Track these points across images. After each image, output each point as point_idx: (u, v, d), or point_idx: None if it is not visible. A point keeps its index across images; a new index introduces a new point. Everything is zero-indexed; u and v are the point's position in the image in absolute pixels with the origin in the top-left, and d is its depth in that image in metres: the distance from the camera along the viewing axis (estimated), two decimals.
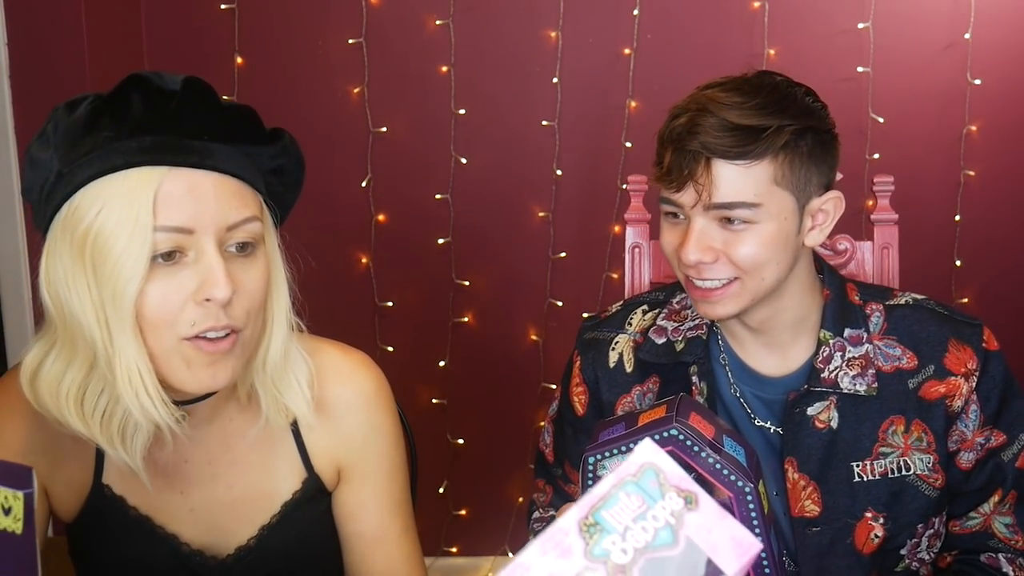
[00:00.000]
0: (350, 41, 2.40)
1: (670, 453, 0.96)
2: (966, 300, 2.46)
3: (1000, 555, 1.18)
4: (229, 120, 0.97)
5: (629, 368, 1.25)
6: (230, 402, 1.06)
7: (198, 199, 0.91)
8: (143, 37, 2.41)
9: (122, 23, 2.35)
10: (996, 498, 1.17)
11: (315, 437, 1.09)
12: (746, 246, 1.08)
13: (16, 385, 1.01)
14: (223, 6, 2.39)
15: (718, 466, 0.97)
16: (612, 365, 1.26)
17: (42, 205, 0.95)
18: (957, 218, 2.44)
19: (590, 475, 1.02)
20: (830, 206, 1.14)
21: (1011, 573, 1.16)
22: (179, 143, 0.92)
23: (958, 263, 2.45)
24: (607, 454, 1.01)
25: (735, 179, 1.06)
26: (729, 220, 1.07)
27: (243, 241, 0.95)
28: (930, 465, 1.16)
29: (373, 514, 1.13)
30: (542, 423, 1.42)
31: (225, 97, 2.38)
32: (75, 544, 1.09)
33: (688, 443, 0.97)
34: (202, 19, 2.40)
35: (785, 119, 1.07)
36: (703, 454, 0.97)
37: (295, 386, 1.04)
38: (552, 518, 1.33)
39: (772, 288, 1.12)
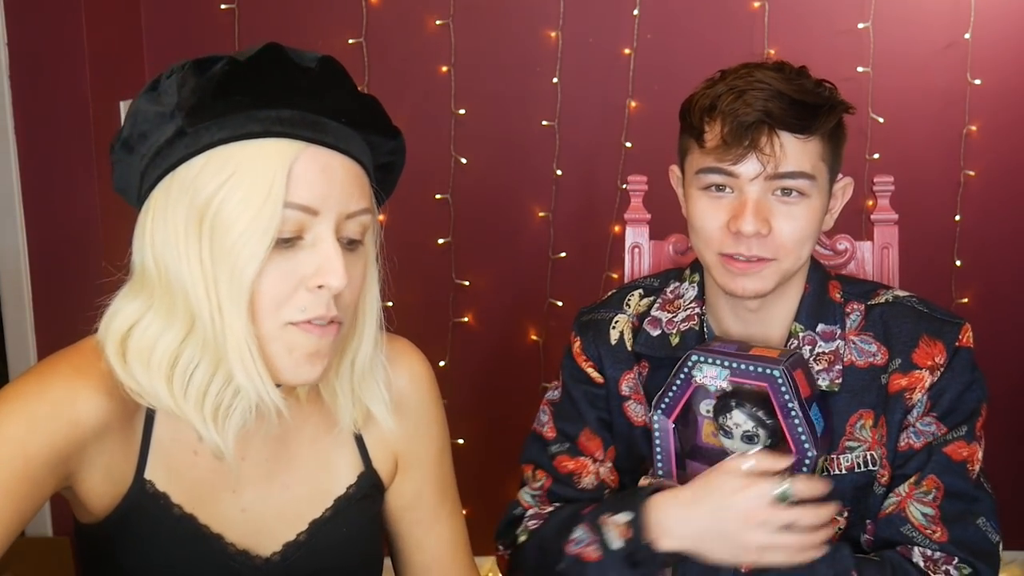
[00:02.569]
0: (350, 41, 2.40)
1: (763, 390, 1.05)
2: (966, 300, 2.46)
3: (915, 548, 1.12)
4: (362, 106, 0.94)
5: (629, 347, 1.25)
6: (291, 398, 1.01)
7: (329, 180, 0.89)
8: (143, 37, 2.41)
9: (122, 23, 2.35)
10: (913, 479, 1.13)
11: (372, 430, 1.06)
12: (797, 222, 1.10)
13: (82, 357, 0.94)
14: (223, 6, 2.38)
15: (797, 424, 1.04)
16: (614, 343, 1.26)
17: (147, 161, 0.90)
18: (957, 218, 2.44)
19: (686, 369, 1.10)
20: (841, 191, 1.19)
21: (920, 564, 1.10)
22: (317, 120, 0.90)
23: (958, 263, 2.45)
24: (710, 360, 1.09)
25: (795, 149, 1.08)
26: (784, 191, 1.09)
27: (355, 234, 0.93)
28: (879, 461, 1.15)
29: (430, 498, 1.12)
30: None
31: None
32: (96, 546, 0.99)
33: (783, 390, 1.04)
34: (202, 19, 2.40)
35: (832, 100, 1.11)
36: (790, 406, 1.04)
37: (376, 388, 1.02)
38: (551, 513, 1.24)
39: (797, 270, 1.15)
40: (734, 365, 1.07)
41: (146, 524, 0.97)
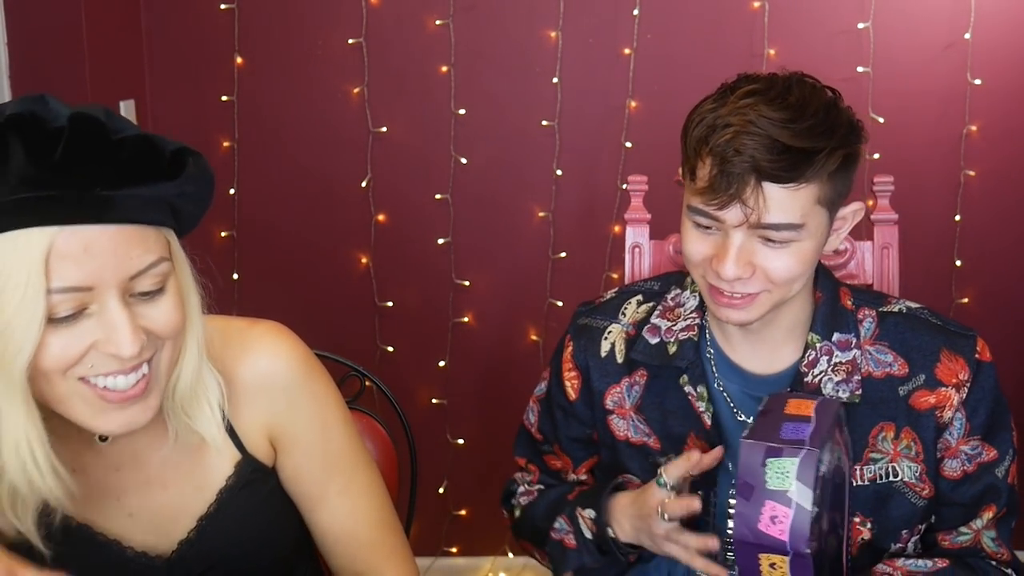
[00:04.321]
0: (350, 41, 2.40)
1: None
2: (966, 300, 2.46)
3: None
4: (123, 162, 0.86)
5: (620, 359, 1.25)
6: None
7: (95, 256, 0.84)
8: (143, 37, 2.41)
9: (122, 23, 2.35)
10: (989, 515, 1.17)
11: (241, 416, 1.06)
12: (783, 262, 1.07)
13: None
14: (223, 6, 2.38)
15: (812, 515, 0.96)
16: (603, 355, 1.26)
17: None
18: (957, 218, 2.44)
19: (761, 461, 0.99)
20: (850, 215, 1.15)
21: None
22: (70, 197, 0.83)
23: (958, 263, 2.45)
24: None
25: (783, 201, 1.03)
26: (770, 238, 1.06)
27: (150, 287, 0.89)
28: (917, 475, 1.16)
29: (311, 475, 1.11)
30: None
31: (224, 97, 2.40)
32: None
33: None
34: (202, 19, 2.40)
35: (834, 141, 1.04)
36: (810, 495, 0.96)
37: (206, 410, 1.01)
38: (540, 491, 1.34)
39: (792, 296, 1.12)
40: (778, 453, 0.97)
41: (49, 540, 0.98)
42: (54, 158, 0.83)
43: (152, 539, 1.05)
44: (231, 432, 1.07)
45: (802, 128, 1.02)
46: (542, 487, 1.35)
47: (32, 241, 0.82)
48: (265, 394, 1.07)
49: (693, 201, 1.08)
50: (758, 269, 1.07)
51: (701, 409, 1.19)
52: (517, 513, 1.36)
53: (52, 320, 0.84)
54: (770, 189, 1.03)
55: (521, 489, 1.37)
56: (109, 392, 0.89)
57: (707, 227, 1.08)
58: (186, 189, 0.91)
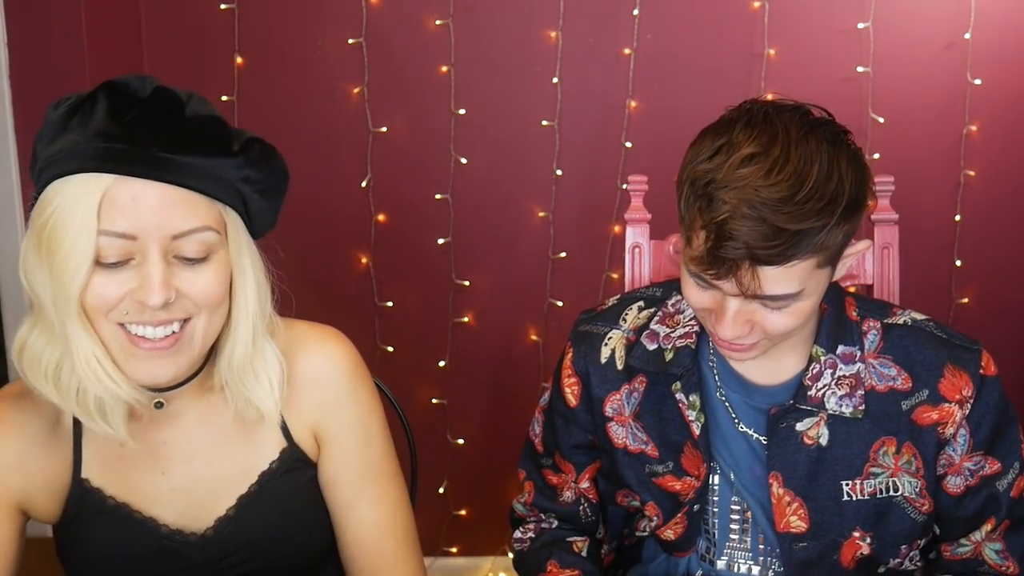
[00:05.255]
0: (350, 41, 2.40)
1: None
2: (966, 300, 2.46)
3: None
4: (187, 132, 0.98)
5: (620, 366, 1.24)
6: (207, 386, 1.10)
7: (140, 208, 0.95)
8: (143, 37, 2.41)
9: (122, 23, 2.35)
10: (989, 527, 1.16)
11: (293, 408, 1.13)
12: (780, 320, 1.05)
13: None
14: (223, 6, 2.39)
15: None
16: (604, 361, 1.25)
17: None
18: (957, 218, 2.44)
19: None
20: (854, 253, 1.11)
21: None
22: (129, 152, 0.95)
23: (958, 263, 2.45)
24: None
25: (779, 276, 1.00)
26: (766, 304, 1.04)
27: (192, 253, 0.98)
28: (917, 490, 1.15)
29: (347, 479, 1.16)
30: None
31: (224, 97, 2.39)
32: (61, 544, 1.12)
33: None
34: (202, 19, 2.40)
35: (836, 218, 0.99)
36: None
37: (265, 386, 1.08)
38: (532, 540, 1.34)
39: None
40: None
41: (89, 518, 1.08)
42: (127, 118, 0.96)
43: (191, 515, 1.10)
44: (281, 422, 1.13)
45: (799, 211, 0.97)
46: (533, 536, 1.35)
47: (91, 185, 0.94)
48: (315, 389, 1.14)
49: (689, 264, 1.05)
50: (756, 326, 1.06)
51: (691, 418, 1.19)
52: (512, 555, 1.38)
53: (101, 264, 0.95)
54: (765, 270, 1.00)
55: (517, 535, 1.37)
56: (140, 340, 0.98)
57: (705, 288, 1.07)
58: (250, 173, 1.02)
